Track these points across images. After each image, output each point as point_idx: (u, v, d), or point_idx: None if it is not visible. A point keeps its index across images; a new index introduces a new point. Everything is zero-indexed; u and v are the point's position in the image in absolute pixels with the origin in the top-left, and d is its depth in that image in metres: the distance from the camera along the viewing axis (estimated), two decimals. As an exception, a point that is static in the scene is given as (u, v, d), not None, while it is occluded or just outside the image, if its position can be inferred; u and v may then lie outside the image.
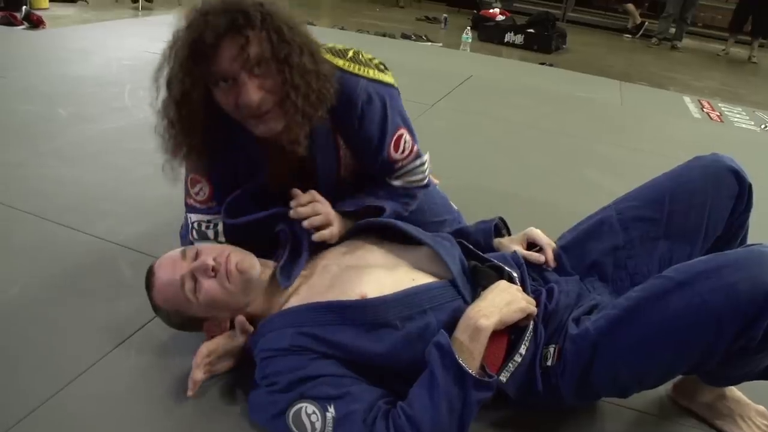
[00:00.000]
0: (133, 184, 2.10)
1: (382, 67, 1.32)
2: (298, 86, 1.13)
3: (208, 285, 1.15)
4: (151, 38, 4.37)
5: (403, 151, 1.37)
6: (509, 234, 1.45)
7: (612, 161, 2.77)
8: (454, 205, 1.71)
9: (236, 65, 1.08)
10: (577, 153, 2.84)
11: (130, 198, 2.00)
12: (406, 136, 1.37)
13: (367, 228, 1.34)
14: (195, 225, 1.38)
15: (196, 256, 1.18)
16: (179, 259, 1.19)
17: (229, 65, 1.08)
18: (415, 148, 1.41)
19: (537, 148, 2.85)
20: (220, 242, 1.36)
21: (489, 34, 5.96)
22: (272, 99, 1.13)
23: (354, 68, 1.27)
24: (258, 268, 1.20)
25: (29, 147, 2.35)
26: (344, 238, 1.34)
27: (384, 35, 5.43)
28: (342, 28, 5.62)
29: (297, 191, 1.29)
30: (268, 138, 1.21)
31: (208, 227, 1.37)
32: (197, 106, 1.14)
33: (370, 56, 1.33)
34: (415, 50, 5.03)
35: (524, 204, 2.21)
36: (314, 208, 1.28)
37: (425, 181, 1.48)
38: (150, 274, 1.22)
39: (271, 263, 1.28)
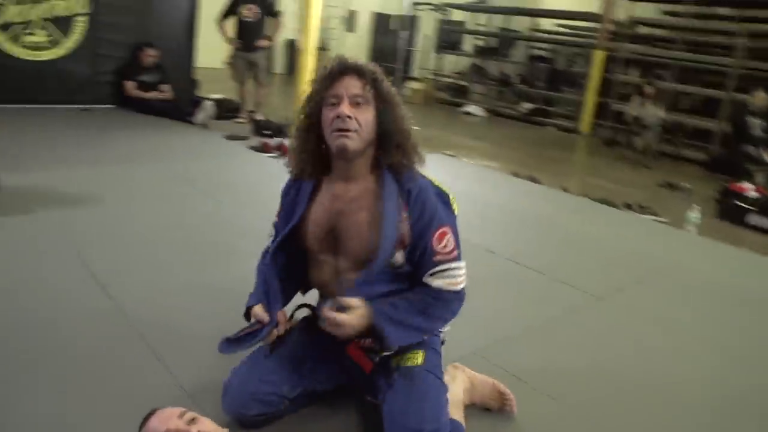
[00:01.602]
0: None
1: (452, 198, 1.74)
2: (385, 129, 1.64)
3: None
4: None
5: (444, 246, 1.65)
6: None
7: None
8: None
9: (344, 92, 1.59)
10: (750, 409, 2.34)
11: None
12: (450, 237, 1.67)
13: None
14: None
15: (192, 421, 1.34)
16: (175, 416, 1.36)
17: (341, 90, 1.60)
18: (456, 252, 1.68)
19: (687, 384, 2.41)
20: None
21: (730, 213, 5.33)
22: (357, 125, 1.59)
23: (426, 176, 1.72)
24: None
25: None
26: None
27: (605, 203, 5.17)
28: (564, 190, 5.49)
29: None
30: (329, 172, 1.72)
31: (271, 237, 1.85)
32: (314, 119, 1.66)
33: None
34: (628, 225, 4.68)
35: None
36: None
37: (460, 287, 1.69)
38: (147, 416, 1.40)
39: None
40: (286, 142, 5.48)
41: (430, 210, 1.65)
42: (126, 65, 6.72)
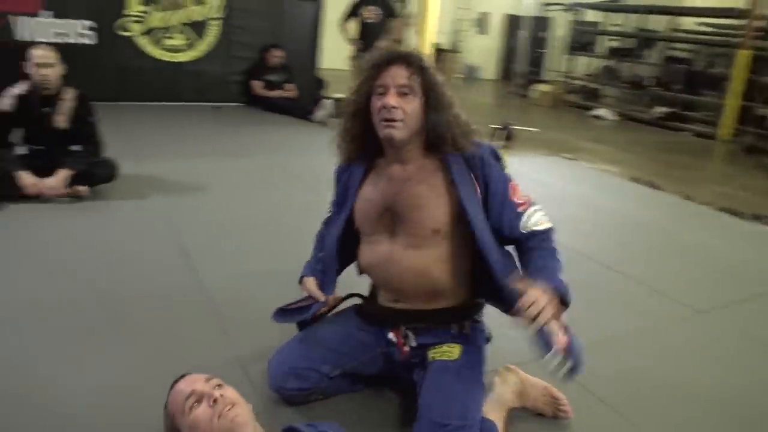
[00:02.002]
0: None
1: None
2: (433, 117, 1.64)
3: (201, 410, 1.33)
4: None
5: (520, 198, 1.72)
6: None
7: None
8: None
9: (391, 82, 1.61)
10: None
11: None
12: (518, 186, 1.74)
13: None
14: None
15: (217, 386, 1.37)
16: (202, 380, 1.39)
17: (387, 80, 1.61)
18: (529, 197, 1.74)
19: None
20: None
21: None
22: (404, 115, 1.61)
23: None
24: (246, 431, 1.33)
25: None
26: None
27: (730, 212, 4.76)
28: (687, 198, 5.12)
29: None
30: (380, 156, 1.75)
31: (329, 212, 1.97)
32: (362, 106, 1.68)
33: None
34: (752, 237, 4.25)
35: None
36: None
37: (549, 222, 1.73)
38: (178, 378, 1.44)
39: None
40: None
41: (498, 171, 1.72)
42: (254, 65, 7.10)
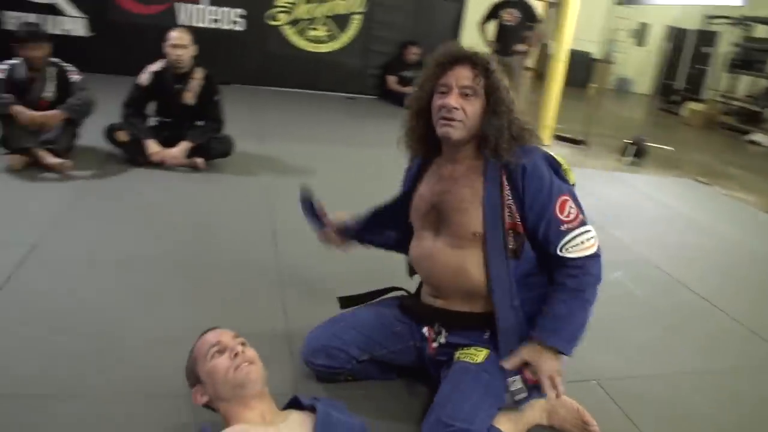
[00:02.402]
0: None
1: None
2: (492, 120, 1.63)
3: (221, 360, 1.45)
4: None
5: (568, 215, 1.63)
6: None
7: None
8: None
9: (454, 82, 1.62)
10: None
11: None
12: (571, 203, 1.64)
13: None
14: None
15: (241, 344, 1.50)
16: (230, 335, 1.51)
17: (451, 80, 1.62)
18: (581, 217, 1.65)
19: None
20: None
21: None
22: (463, 116, 1.61)
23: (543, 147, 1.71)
24: (253, 390, 1.44)
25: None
26: None
27: None
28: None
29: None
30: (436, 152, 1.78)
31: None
32: (424, 104, 1.70)
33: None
34: None
35: None
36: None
37: (595, 248, 1.65)
38: (208, 329, 1.56)
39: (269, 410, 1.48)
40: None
41: (546, 183, 1.63)
42: (391, 60, 7.29)
